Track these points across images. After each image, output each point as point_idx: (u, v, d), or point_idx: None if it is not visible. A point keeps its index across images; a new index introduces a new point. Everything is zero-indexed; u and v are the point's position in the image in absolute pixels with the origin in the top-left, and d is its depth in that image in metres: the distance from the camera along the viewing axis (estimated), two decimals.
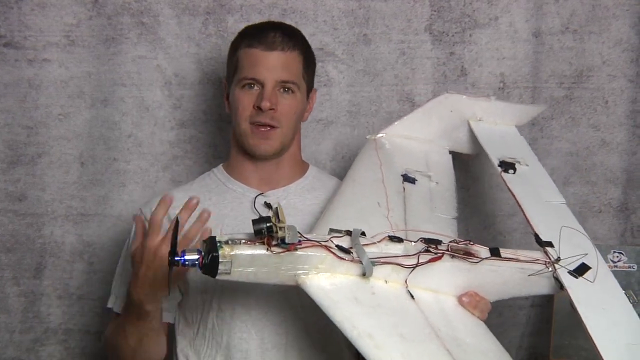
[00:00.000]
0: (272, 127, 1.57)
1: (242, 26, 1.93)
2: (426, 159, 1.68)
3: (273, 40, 1.55)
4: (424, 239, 1.35)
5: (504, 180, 1.56)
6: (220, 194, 1.62)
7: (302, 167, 1.69)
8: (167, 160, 2.00)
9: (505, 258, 1.37)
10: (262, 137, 1.57)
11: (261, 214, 1.56)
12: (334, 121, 2.03)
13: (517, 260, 1.38)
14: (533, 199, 1.54)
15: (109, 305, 1.63)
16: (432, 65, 2.04)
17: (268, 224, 1.22)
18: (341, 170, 2.04)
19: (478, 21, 2.04)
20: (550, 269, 1.38)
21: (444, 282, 1.34)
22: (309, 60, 1.63)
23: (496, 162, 1.60)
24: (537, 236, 1.44)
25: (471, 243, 1.38)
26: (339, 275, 1.26)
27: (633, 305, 1.68)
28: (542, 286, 1.40)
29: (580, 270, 1.39)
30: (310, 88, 1.65)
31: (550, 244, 1.42)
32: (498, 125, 1.75)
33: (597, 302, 1.36)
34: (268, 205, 1.59)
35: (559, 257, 1.40)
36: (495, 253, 1.37)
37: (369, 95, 2.03)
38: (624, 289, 1.67)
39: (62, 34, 1.93)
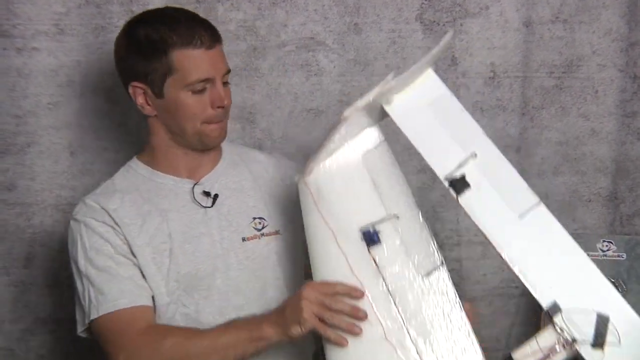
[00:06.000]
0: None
1: (232, 15, 1.96)
2: (368, 168, 1.41)
3: (211, 35, 1.52)
4: None
5: (465, 211, 1.35)
6: (152, 190, 1.57)
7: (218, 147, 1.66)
8: None
9: None
10: (216, 130, 1.55)
11: (201, 203, 1.57)
12: (324, 111, 2.03)
13: None
14: (507, 227, 1.33)
15: (126, 305, 1.48)
16: (423, 55, 2.04)
17: None
18: None
19: (469, 10, 2.04)
20: (571, 352, 1.25)
21: None
22: None
23: (446, 184, 1.36)
24: (540, 307, 1.29)
25: None
26: None
27: (622, 295, 1.70)
28: None
29: (598, 336, 1.22)
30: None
31: (556, 308, 1.25)
32: (415, 88, 1.41)
33: None
34: (207, 194, 1.58)
35: (574, 339, 1.22)
36: None
37: (360, 85, 2.03)
38: (613, 278, 1.69)
39: (51, 23, 1.92)
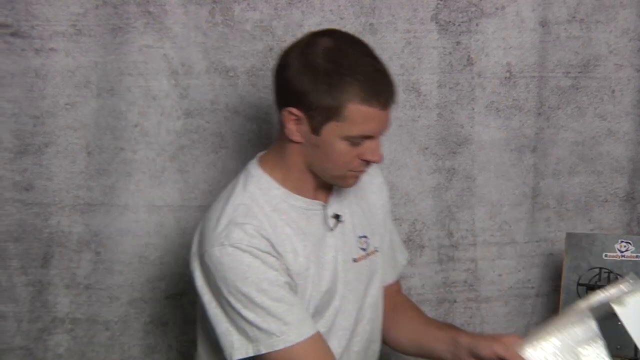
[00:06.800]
0: None
1: (248, 15, 1.96)
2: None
3: (388, 99, 1.43)
4: None
5: None
6: (289, 212, 1.49)
7: None
8: (174, 150, 2.00)
9: None
10: (355, 180, 1.50)
11: (329, 225, 1.53)
12: None
13: None
14: None
15: (311, 333, 1.43)
16: (439, 55, 2.04)
17: None
18: None
19: (484, 10, 2.04)
20: None
21: None
22: None
23: None
24: None
25: None
26: None
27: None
28: None
29: None
30: None
31: None
32: None
33: None
34: (337, 217, 1.53)
35: None
36: None
37: None
38: (631, 279, 1.69)
39: (69, 24, 1.93)
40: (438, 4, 2.03)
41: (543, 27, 2.06)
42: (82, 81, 1.96)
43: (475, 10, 2.04)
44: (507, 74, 2.06)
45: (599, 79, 2.08)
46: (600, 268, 1.70)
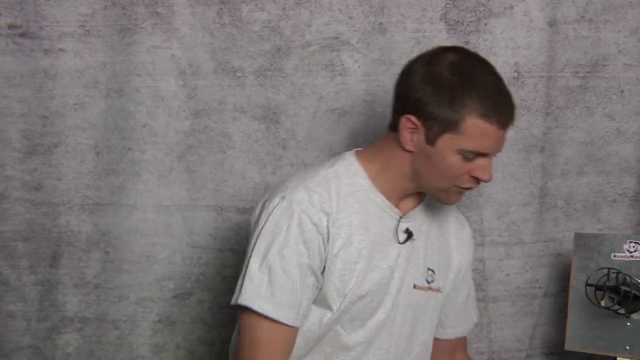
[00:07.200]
0: None
1: (256, 15, 1.96)
2: None
3: (507, 119, 1.44)
4: None
5: None
6: (364, 203, 1.49)
7: None
8: (182, 149, 2.01)
9: None
10: (459, 198, 1.51)
11: (398, 237, 1.52)
12: (349, 111, 2.03)
13: None
14: None
15: (286, 321, 1.42)
16: None
17: None
18: None
19: (493, 10, 2.03)
20: None
21: None
22: None
23: None
24: None
25: None
26: None
27: None
28: None
29: None
30: None
31: None
32: None
33: None
34: (408, 233, 1.52)
35: None
36: None
37: (385, 85, 2.02)
38: (639, 279, 1.69)
39: (78, 24, 1.94)
40: (447, 3, 2.02)
41: (552, 26, 2.05)
42: (90, 81, 1.97)
43: (484, 10, 2.03)
44: (516, 74, 2.06)
45: (607, 78, 2.08)
46: (609, 268, 1.70)
